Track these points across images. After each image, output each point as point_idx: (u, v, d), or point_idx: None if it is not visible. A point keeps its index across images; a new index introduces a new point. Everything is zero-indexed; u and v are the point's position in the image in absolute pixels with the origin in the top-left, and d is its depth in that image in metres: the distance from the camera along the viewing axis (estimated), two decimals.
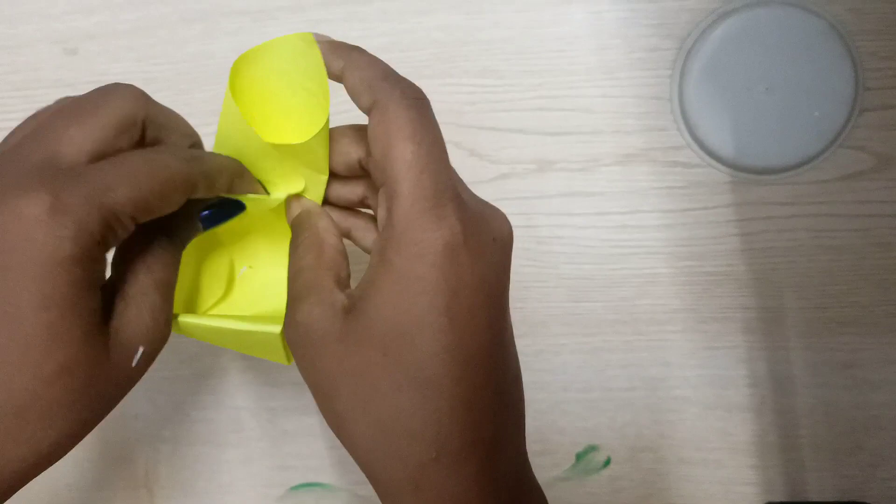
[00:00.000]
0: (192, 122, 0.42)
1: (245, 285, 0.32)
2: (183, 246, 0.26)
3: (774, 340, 0.40)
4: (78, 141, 0.22)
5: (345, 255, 0.26)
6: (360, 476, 0.44)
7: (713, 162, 0.39)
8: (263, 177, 0.28)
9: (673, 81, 0.38)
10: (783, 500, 0.40)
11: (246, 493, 0.44)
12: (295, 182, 0.28)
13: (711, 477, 0.41)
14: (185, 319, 0.28)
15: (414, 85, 0.24)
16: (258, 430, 0.44)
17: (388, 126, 0.22)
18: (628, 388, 0.41)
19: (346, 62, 0.24)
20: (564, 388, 0.41)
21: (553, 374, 0.41)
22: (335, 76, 0.25)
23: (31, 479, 0.22)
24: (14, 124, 0.46)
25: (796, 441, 0.40)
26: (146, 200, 0.22)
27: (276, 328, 0.26)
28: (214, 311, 0.30)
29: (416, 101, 0.23)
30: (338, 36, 0.40)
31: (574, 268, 0.40)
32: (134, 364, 0.23)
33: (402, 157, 0.22)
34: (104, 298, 0.23)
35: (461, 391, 0.22)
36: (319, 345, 0.23)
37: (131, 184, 0.22)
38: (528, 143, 0.40)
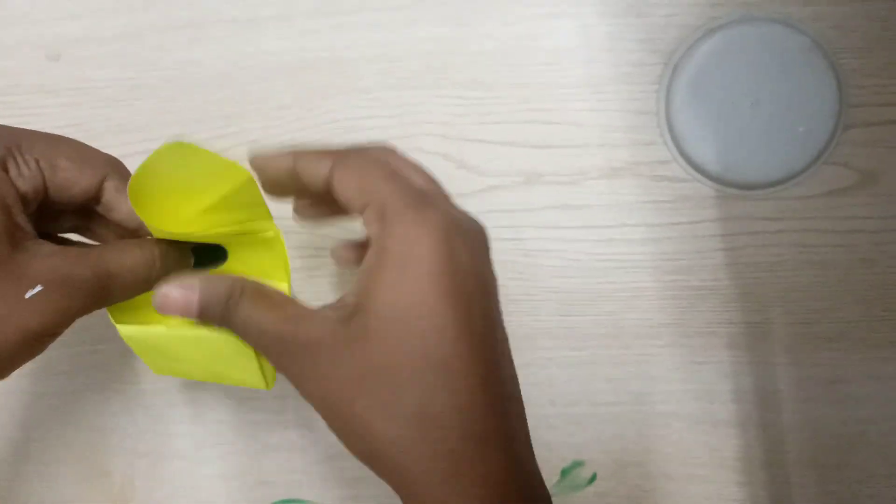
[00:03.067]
0: (176, 129, 0.42)
1: None
2: (158, 269, 0.27)
3: (759, 355, 0.40)
4: None
5: None
6: (344, 492, 0.44)
7: (699, 176, 0.39)
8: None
9: (659, 96, 0.39)
10: None
11: None
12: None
13: (697, 493, 0.41)
14: (140, 329, 0.27)
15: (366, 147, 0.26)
16: (239, 445, 0.43)
17: (352, 171, 0.24)
18: (615, 402, 0.41)
19: (295, 158, 0.26)
20: (551, 403, 0.41)
21: (540, 388, 0.41)
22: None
23: None
24: None
25: (782, 457, 0.40)
26: (52, 157, 0.26)
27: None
28: None
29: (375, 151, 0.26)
30: (327, 46, 0.41)
31: (561, 281, 0.40)
32: (26, 296, 0.23)
33: (383, 182, 0.23)
34: None
35: (472, 374, 0.22)
36: (327, 356, 0.23)
37: (41, 137, 0.25)
38: (516, 155, 0.40)
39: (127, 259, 0.26)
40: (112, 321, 0.28)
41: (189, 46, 0.41)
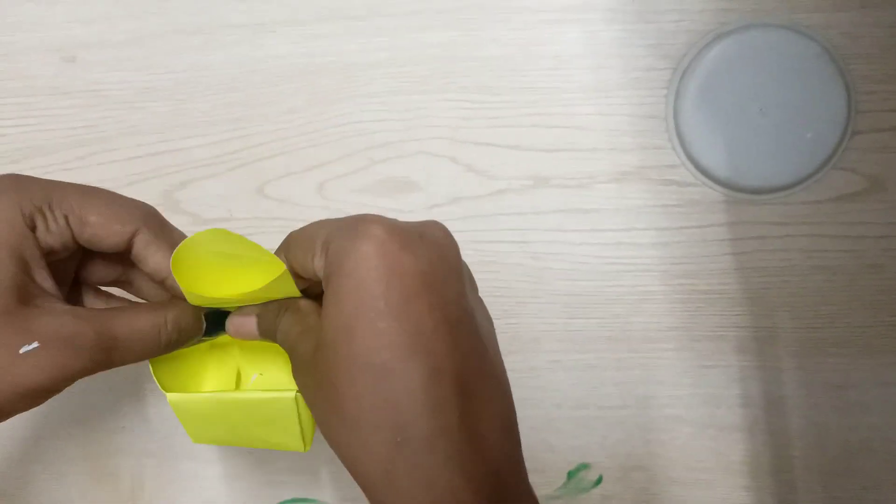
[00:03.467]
0: (189, 132, 0.43)
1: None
2: (173, 337, 0.28)
3: (767, 360, 0.40)
4: None
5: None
6: (350, 492, 0.44)
7: (707, 181, 0.39)
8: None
9: (668, 101, 0.39)
10: None
11: None
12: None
13: (703, 497, 0.41)
14: (190, 396, 0.28)
15: None
16: None
17: (296, 239, 0.26)
18: (621, 405, 0.41)
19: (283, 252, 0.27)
20: (557, 406, 0.41)
21: (546, 391, 0.41)
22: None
23: None
24: (8, 130, 0.46)
25: (788, 462, 0.40)
26: (82, 205, 0.26)
27: (290, 394, 0.27)
28: None
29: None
30: (335, 50, 0.41)
31: (568, 284, 0.40)
32: (21, 351, 0.24)
33: (320, 228, 0.25)
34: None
35: (413, 372, 0.22)
36: (303, 371, 0.25)
37: (73, 192, 0.26)
38: (524, 159, 0.40)
39: (135, 323, 0.27)
40: (161, 389, 0.29)
41: (200, 50, 0.42)
